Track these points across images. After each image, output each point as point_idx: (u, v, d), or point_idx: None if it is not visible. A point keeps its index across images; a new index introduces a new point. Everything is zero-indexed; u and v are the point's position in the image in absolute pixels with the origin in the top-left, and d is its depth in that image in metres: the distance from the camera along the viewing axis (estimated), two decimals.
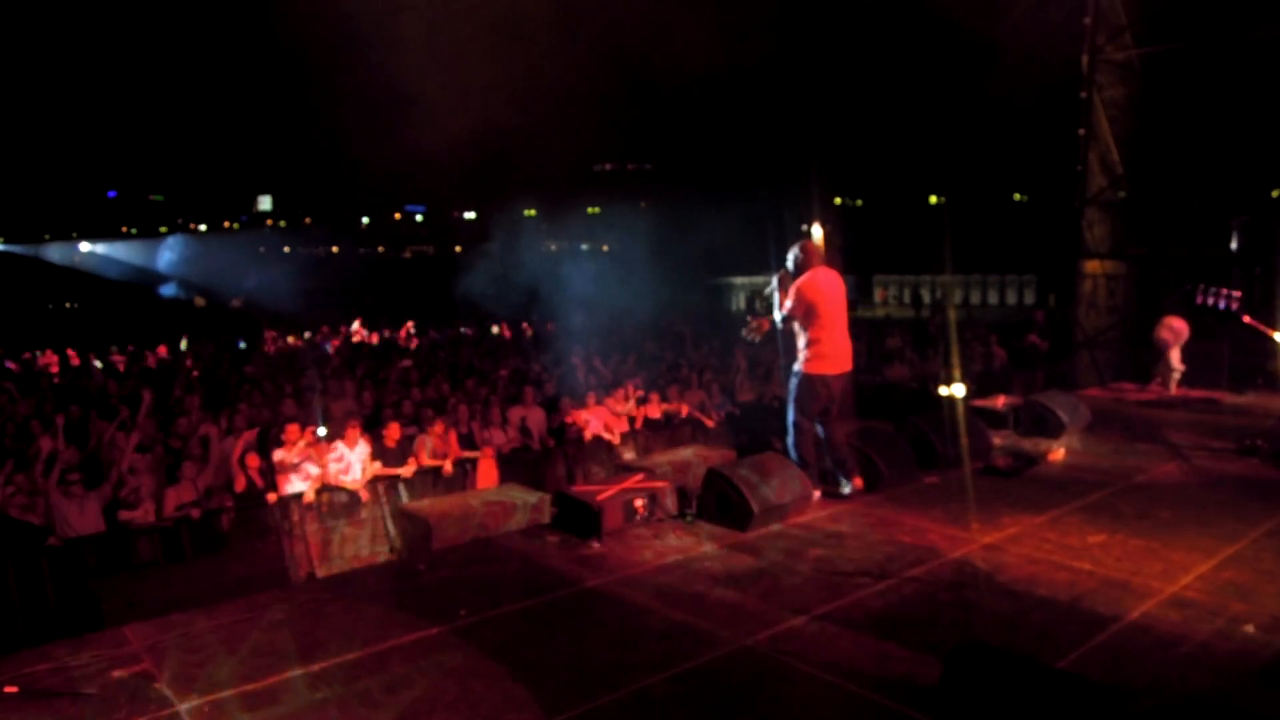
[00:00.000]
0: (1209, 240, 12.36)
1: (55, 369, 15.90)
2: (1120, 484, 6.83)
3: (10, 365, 15.92)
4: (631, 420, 11.08)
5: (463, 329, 20.90)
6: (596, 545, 5.65)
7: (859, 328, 17.95)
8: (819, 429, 6.75)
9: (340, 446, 8.53)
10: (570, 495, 6.11)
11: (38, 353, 17.23)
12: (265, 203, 74.47)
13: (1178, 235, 13.26)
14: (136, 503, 7.79)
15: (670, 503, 6.21)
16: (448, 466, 9.09)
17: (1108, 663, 3.90)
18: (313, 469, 8.35)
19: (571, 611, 4.67)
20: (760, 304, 7.18)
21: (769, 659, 4.06)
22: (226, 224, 71.70)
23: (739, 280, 40.99)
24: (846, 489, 6.65)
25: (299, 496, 8.10)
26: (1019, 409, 8.83)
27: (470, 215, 67.19)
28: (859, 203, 56.74)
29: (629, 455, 10.03)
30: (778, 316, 6.80)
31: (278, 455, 8.42)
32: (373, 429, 9.28)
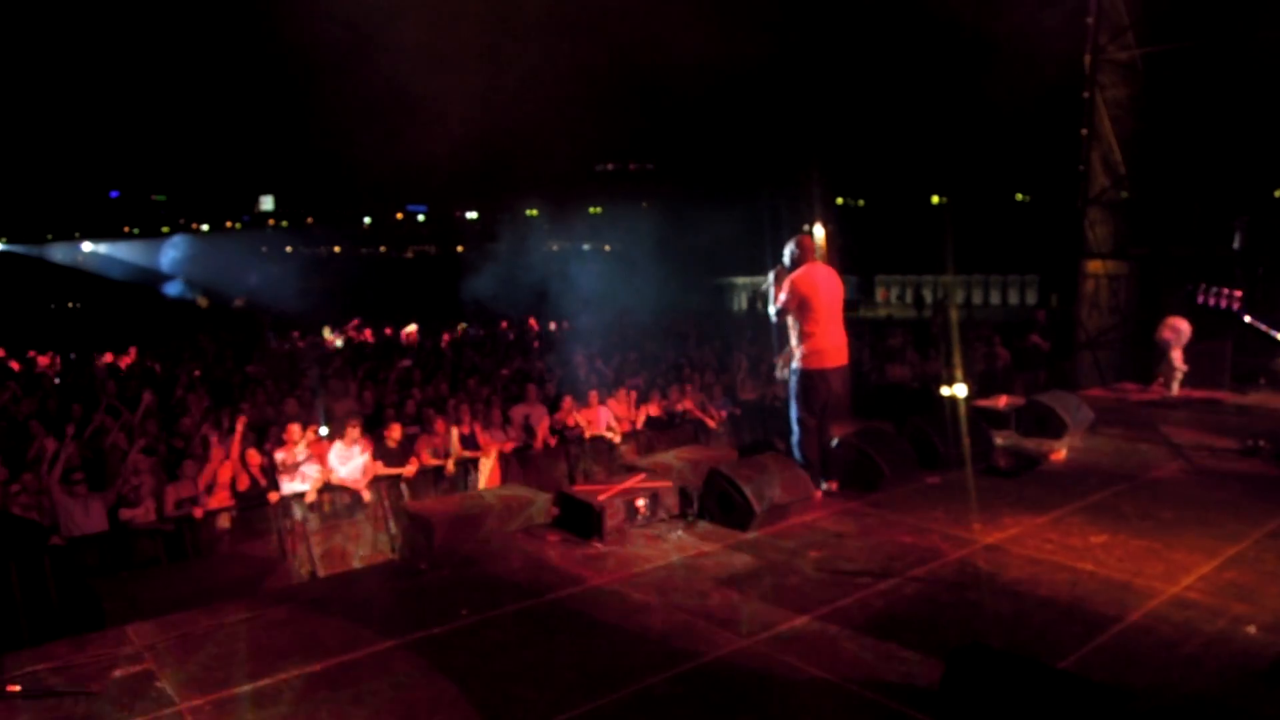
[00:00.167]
0: (1211, 240, 12.34)
1: (55, 368, 15.91)
2: (1122, 484, 6.82)
3: (13, 365, 15.94)
4: (632, 420, 11.08)
5: (470, 329, 20.87)
6: (598, 545, 5.65)
7: (861, 328, 17.97)
8: None
9: (339, 446, 8.53)
10: (572, 495, 6.11)
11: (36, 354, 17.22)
12: (267, 203, 74.52)
13: (1180, 235, 13.23)
14: (137, 501, 7.80)
15: (672, 502, 6.21)
16: (449, 466, 9.09)
17: (1109, 663, 3.90)
18: (315, 469, 8.36)
19: (573, 611, 4.67)
20: (760, 302, 7.22)
21: (770, 659, 4.06)
22: (229, 224, 71.76)
23: (740, 280, 40.94)
24: (822, 487, 6.68)
25: (301, 496, 8.11)
26: (1021, 409, 8.82)
27: (472, 215, 67.18)
28: (861, 203, 56.70)
29: (631, 455, 10.03)
30: (772, 310, 6.85)
31: (279, 455, 8.43)
32: (374, 429, 9.28)
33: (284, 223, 72.59)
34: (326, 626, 4.51)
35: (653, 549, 5.60)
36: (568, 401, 10.69)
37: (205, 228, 68.97)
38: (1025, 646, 3.98)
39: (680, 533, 5.91)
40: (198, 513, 7.68)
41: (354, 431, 8.63)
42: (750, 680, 3.87)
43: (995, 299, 39.24)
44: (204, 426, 9.57)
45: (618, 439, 10.43)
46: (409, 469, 8.83)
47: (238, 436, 8.47)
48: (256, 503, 8.08)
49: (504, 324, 20.98)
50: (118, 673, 4.03)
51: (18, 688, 3.84)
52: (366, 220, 72.60)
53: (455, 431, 9.50)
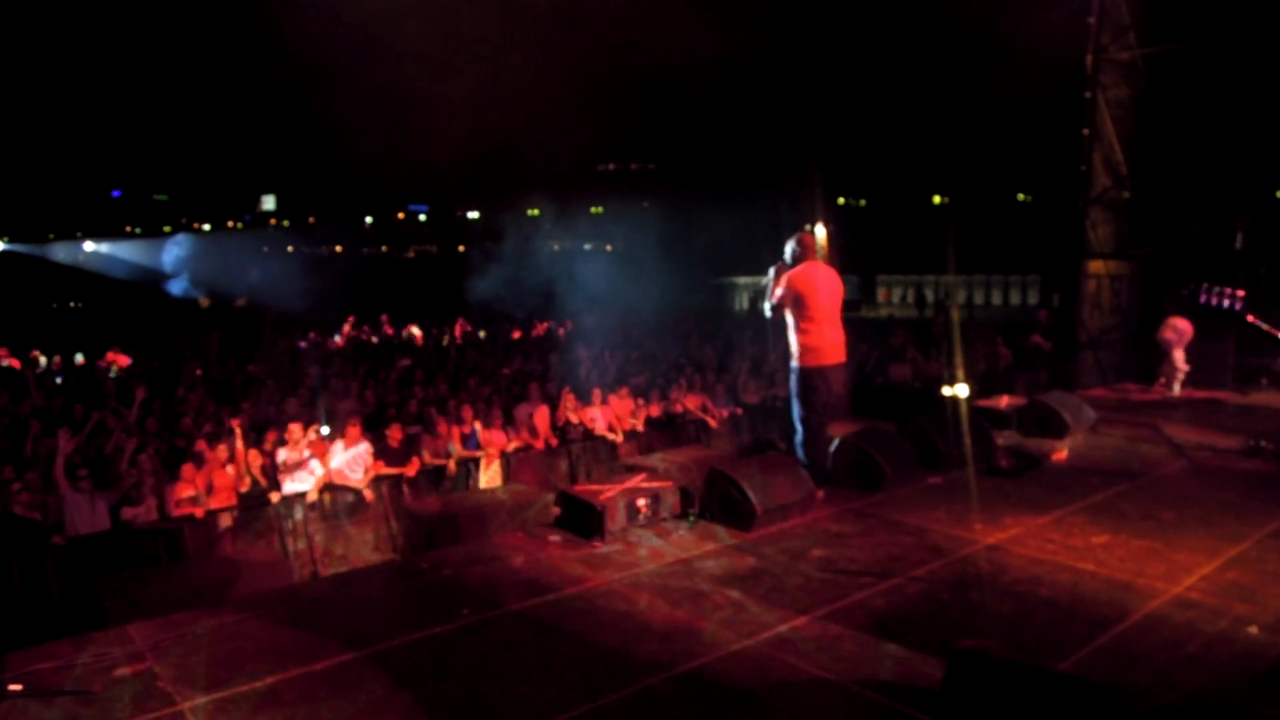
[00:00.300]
0: (1213, 240, 12.34)
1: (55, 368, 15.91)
2: (1124, 484, 6.82)
3: (13, 364, 15.92)
4: (634, 419, 11.07)
5: (477, 331, 20.82)
6: (599, 545, 5.65)
7: (862, 328, 17.96)
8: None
9: (341, 445, 8.54)
10: (573, 495, 6.11)
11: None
12: (269, 202, 74.52)
13: (1182, 235, 13.23)
14: (139, 500, 7.81)
15: (673, 503, 6.21)
16: (451, 466, 9.10)
17: (1111, 664, 3.90)
18: (316, 468, 8.37)
19: (574, 611, 4.67)
20: (759, 299, 7.24)
21: (772, 659, 4.06)
22: (230, 223, 71.80)
23: (742, 280, 40.90)
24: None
25: (302, 495, 8.12)
26: (1022, 409, 8.82)
27: (473, 215, 67.17)
28: (862, 203, 56.62)
29: (632, 455, 10.03)
30: (767, 306, 6.87)
31: (281, 454, 8.44)
32: (376, 428, 9.28)
33: (286, 222, 72.61)
34: (328, 626, 4.51)
35: (654, 549, 5.60)
36: (570, 400, 10.69)
37: (207, 227, 69.02)
38: (1027, 647, 3.98)
39: (681, 533, 5.91)
40: (199, 512, 7.69)
41: (355, 431, 8.64)
42: (752, 680, 3.87)
43: (997, 299, 39.21)
44: (206, 426, 9.57)
45: (619, 439, 10.43)
46: (410, 469, 8.84)
47: (239, 436, 8.48)
48: (258, 502, 8.08)
49: (501, 324, 20.88)
50: (119, 672, 4.03)
51: (20, 687, 3.84)
52: (368, 220, 72.64)
53: (456, 431, 9.51)
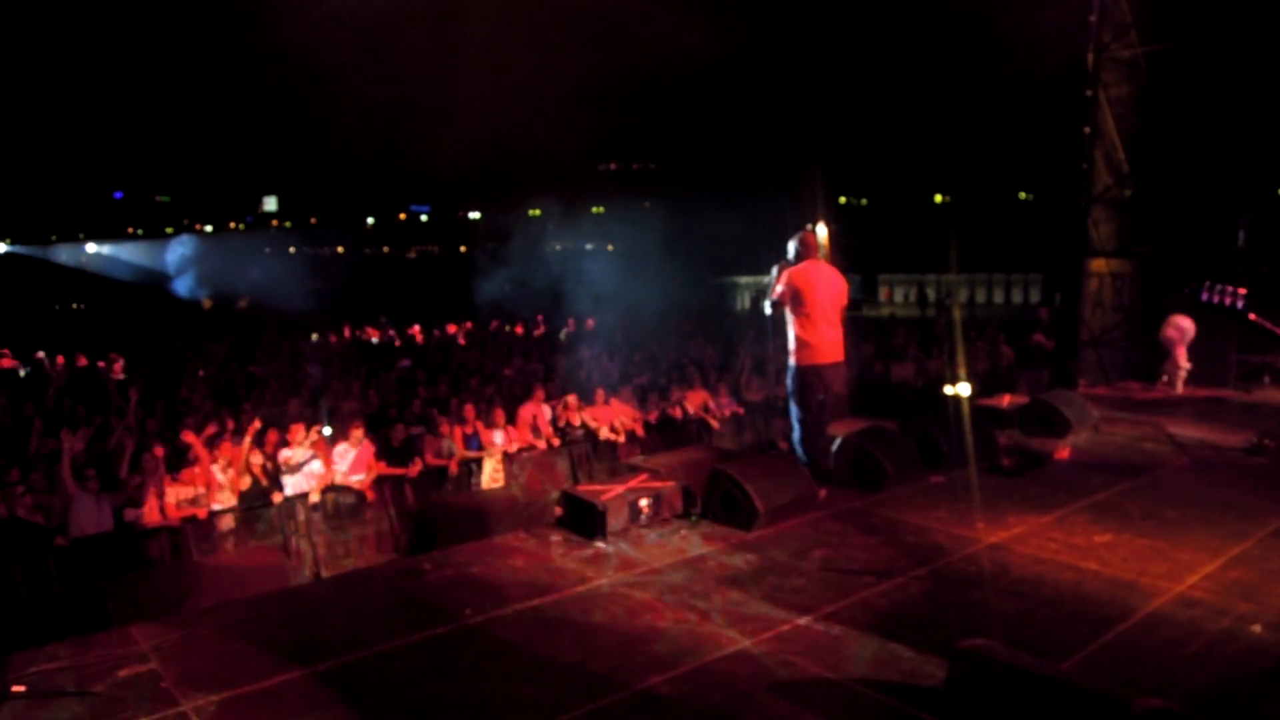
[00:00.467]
0: (1215, 238, 12.32)
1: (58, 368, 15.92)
2: (1126, 483, 6.81)
3: (5, 364, 15.92)
4: (635, 419, 11.07)
5: (477, 330, 20.82)
6: (601, 545, 5.65)
7: (864, 327, 17.96)
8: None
9: (343, 446, 8.54)
10: (575, 495, 6.11)
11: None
12: (271, 203, 74.65)
13: (1184, 233, 13.20)
14: (141, 501, 7.81)
15: (675, 502, 6.21)
16: (453, 466, 9.10)
17: (1114, 663, 3.89)
18: (318, 468, 8.37)
19: (576, 611, 4.67)
20: (760, 297, 7.26)
21: (774, 659, 4.05)
22: (232, 224, 71.90)
23: (744, 279, 40.91)
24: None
25: (304, 496, 8.12)
26: (1024, 408, 8.81)
27: (475, 215, 67.23)
28: (864, 202, 56.65)
29: (634, 455, 10.03)
30: (766, 304, 6.90)
31: (283, 455, 8.44)
32: (378, 429, 9.28)
33: (287, 223, 72.74)
34: (330, 626, 4.51)
35: (656, 549, 5.60)
36: (572, 399, 10.70)
37: (209, 228, 69.13)
38: (1030, 646, 3.97)
39: (683, 533, 5.91)
40: (201, 513, 7.69)
41: (357, 432, 8.64)
42: (754, 680, 3.87)
43: (999, 297, 39.20)
44: (208, 426, 9.57)
45: (621, 439, 10.43)
46: (413, 469, 8.84)
47: (246, 436, 8.48)
48: (260, 503, 8.09)
49: (494, 323, 20.83)
50: (122, 673, 4.03)
51: (23, 688, 3.85)
52: (370, 220, 72.72)
53: (459, 431, 9.51)
